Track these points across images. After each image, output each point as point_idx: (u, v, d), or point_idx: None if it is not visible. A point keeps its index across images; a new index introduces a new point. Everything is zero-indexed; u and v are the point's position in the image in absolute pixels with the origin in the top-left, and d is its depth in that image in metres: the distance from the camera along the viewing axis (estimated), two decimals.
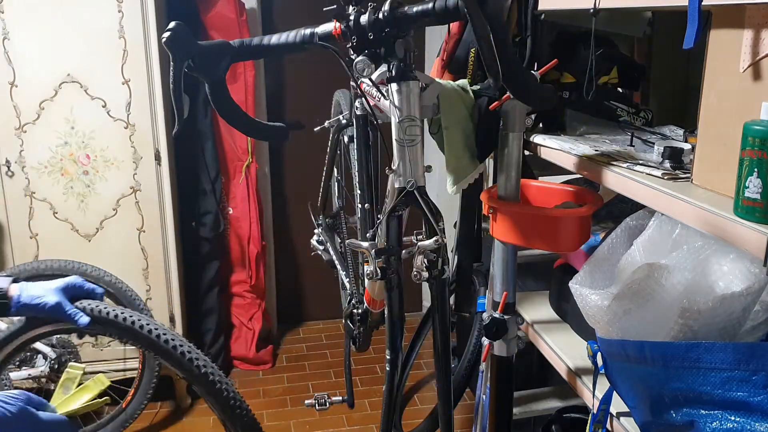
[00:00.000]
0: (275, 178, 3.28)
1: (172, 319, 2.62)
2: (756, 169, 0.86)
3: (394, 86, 1.08)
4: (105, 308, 1.17)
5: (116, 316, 1.16)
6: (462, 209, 1.95)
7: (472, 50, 1.47)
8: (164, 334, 1.16)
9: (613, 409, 1.24)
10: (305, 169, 3.14)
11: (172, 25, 1.02)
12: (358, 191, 1.58)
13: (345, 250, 1.96)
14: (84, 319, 1.11)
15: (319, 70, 3.03)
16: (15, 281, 1.15)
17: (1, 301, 1.12)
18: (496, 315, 1.36)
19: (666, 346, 0.99)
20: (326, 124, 1.90)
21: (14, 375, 2.29)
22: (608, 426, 1.25)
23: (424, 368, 2.94)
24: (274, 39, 1.13)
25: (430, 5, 0.99)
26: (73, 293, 1.15)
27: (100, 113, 2.38)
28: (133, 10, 2.30)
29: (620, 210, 1.70)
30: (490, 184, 1.79)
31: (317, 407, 1.75)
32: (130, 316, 1.16)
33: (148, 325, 1.16)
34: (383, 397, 1.36)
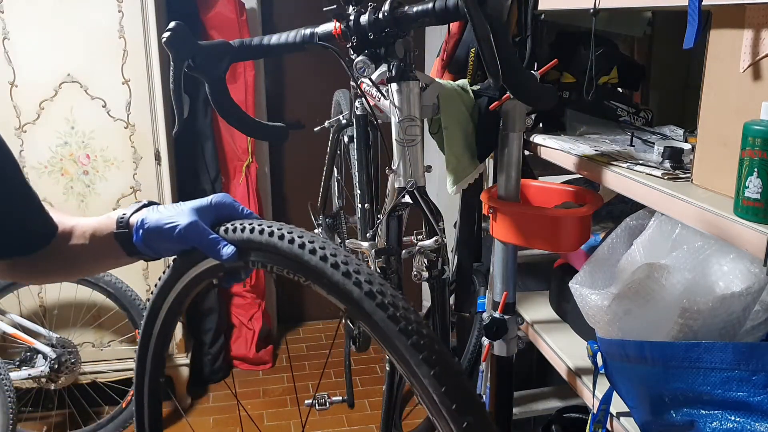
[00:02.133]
0: (275, 178, 3.28)
1: None
2: (756, 169, 0.86)
3: (394, 86, 1.08)
4: (257, 225, 0.77)
5: (281, 236, 0.74)
6: (462, 209, 1.95)
7: (472, 50, 1.47)
8: (355, 272, 0.70)
9: (613, 409, 1.24)
10: (305, 169, 3.14)
11: (172, 24, 1.02)
12: (358, 191, 1.58)
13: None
14: (228, 249, 0.77)
15: (319, 70, 3.03)
16: (147, 206, 0.85)
17: (121, 230, 0.83)
18: (496, 315, 1.36)
19: (666, 346, 0.99)
20: (326, 124, 1.90)
21: (14, 375, 2.28)
22: (608, 426, 1.25)
23: None
24: (274, 39, 1.13)
25: (430, 5, 0.99)
26: (216, 215, 0.82)
27: (100, 113, 2.38)
28: (133, 10, 2.30)
29: (620, 210, 1.70)
30: (490, 184, 1.79)
31: (317, 407, 1.75)
32: (299, 237, 0.73)
33: (324, 250, 0.72)
34: (383, 397, 1.36)
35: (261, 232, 0.76)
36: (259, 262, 0.78)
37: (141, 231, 0.82)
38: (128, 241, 0.83)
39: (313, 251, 0.72)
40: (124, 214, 0.85)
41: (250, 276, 2.94)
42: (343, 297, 0.70)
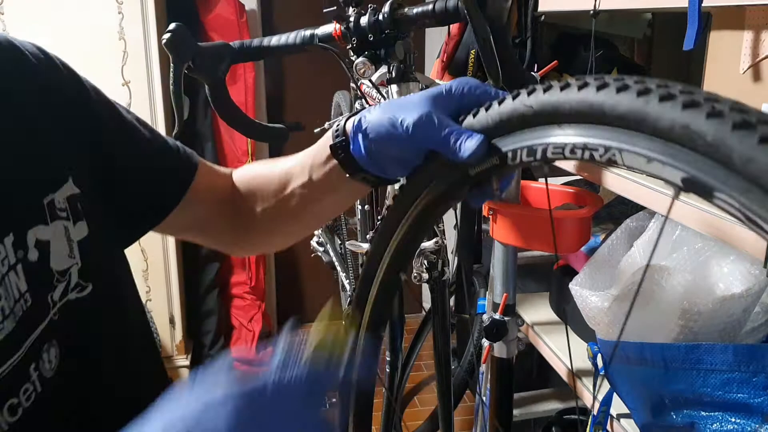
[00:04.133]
0: None
1: (171, 321, 2.62)
2: None
3: (394, 88, 1.08)
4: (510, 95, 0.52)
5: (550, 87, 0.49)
6: (462, 211, 1.95)
7: (471, 52, 1.47)
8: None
9: (613, 411, 1.24)
10: None
11: (172, 26, 1.02)
12: None
13: (345, 252, 1.96)
14: (470, 143, 0.53)
15: (318, 72, 3.03)
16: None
17: (338, 139, 0.63)
18: (496, 316, 1.36)
19: (666, 348, 0.99)
20: (326, 125, 1.90)
21: None
22: (608, 427, 1.25)
23: (424, 369, 2.94)
24: (274, 40, 1.13)
25: (430, 7, 0.99)
26: (459, 106, 0.57)
27: None
28: (133, 11, 2.30)
29: (620, 211, 1.70)
30: None
31: None
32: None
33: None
34: (383, 397, 1.36)
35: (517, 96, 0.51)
36: (519, 149, 0.52)
37: (360, 135, 0.61)
38: (348, 156, 0.63)
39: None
40: (339, 123, 0.64)
41: (250, 277, 2.94)
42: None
